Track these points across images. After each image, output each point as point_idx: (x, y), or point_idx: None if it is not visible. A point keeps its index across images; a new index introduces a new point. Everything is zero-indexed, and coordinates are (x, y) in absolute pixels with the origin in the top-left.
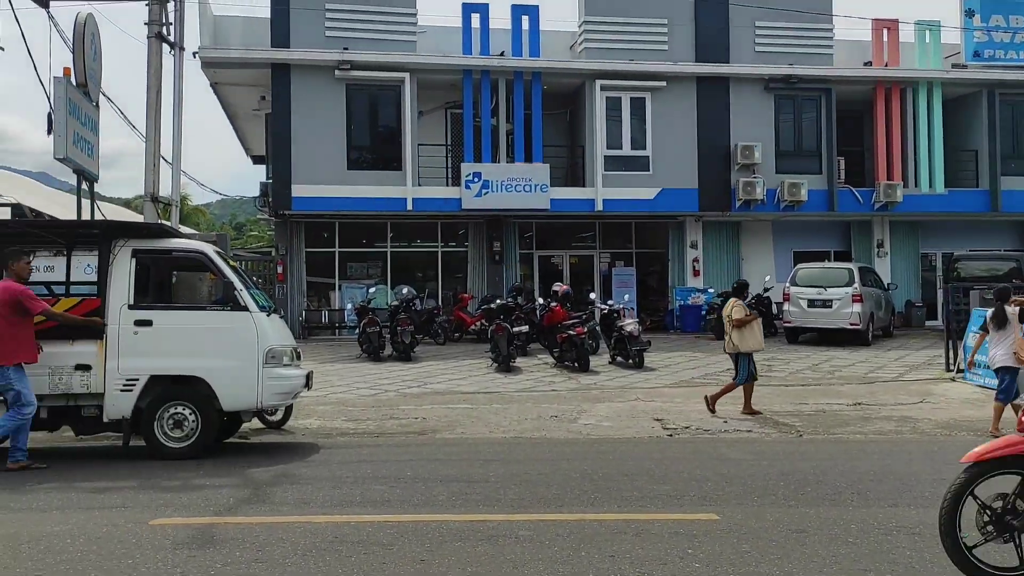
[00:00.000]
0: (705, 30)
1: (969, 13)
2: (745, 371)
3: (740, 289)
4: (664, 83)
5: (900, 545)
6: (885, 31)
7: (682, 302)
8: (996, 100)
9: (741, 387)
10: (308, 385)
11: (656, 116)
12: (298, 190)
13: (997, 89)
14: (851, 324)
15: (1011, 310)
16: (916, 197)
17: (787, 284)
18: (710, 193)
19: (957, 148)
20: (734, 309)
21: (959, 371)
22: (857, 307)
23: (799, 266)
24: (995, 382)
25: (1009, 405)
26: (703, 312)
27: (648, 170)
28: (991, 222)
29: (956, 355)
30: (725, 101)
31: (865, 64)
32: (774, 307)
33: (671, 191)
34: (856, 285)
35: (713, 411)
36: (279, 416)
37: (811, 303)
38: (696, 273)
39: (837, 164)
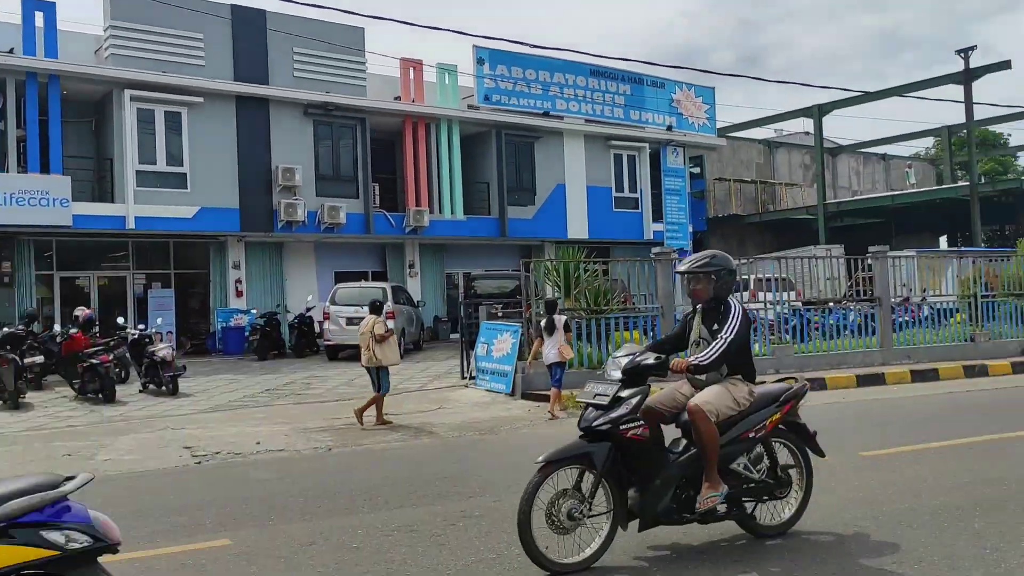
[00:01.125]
0: (243, 50)
1: (480, 61)
2: (387, 382)
3: (380, 307)
4: (201, 99)
5: (399, 544)
6: (412, 70)
7: (224, 324)
8: (503, 139)
9: (371, 399)
10: None
11: (194, 132)
12: None
13: (504, 130)
14: None
15: (559, 318)
16: (441, 222)
17: (327, 303)
18: (252, 213)
19: (474, 179)
20: (376, 325)
21: (471, 378)
22: (390, 323)
23: (338, 286)
24: (498, 385)
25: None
26: (246, 333)
27: (186, 187)
28: (501, 245)
29: (469, 363)
30: (265, 122)
31: (395, 98)
32: (316, 326)
33: (211, 210)
34: (389, 303)
35: (362, 424)
36: None
37: (350, 321)
38: (239, 294)
39: (373, 190)
